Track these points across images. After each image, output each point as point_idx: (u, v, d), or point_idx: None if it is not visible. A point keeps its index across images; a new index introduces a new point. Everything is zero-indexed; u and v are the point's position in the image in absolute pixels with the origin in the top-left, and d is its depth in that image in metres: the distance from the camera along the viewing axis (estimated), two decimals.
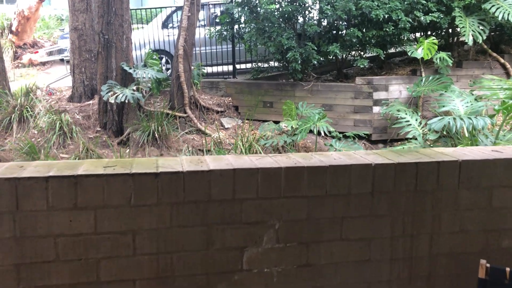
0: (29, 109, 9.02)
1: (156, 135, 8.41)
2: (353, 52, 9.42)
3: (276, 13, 8.88)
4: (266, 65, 9.98)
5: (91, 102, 9.82)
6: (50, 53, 15.95)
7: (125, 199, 1.98)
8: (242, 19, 9.72)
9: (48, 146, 8.24)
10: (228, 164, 2.11)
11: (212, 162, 2.15)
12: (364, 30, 8.66)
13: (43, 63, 16.42)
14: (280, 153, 8.13)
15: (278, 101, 9.25)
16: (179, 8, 10.73)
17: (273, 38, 8.68)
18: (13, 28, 17.15)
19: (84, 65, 10.02)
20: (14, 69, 16.04)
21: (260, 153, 7.38)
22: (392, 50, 9.71)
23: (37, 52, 15.85)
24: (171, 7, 11.91)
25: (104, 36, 8.69)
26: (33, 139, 8.54)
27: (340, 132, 8.13)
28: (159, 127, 8.50)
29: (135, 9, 12.45)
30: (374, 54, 8.95)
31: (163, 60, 11.40)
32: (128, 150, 8.74)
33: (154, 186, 2.00)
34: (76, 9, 9.95)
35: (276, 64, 9.80)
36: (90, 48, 10.03)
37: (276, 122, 8.83)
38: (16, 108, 8.96)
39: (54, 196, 1.92)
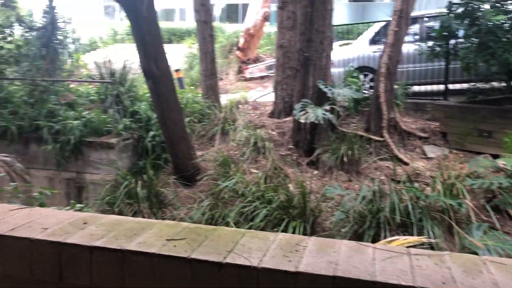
0: (231, 123, 9.46)
1: (345, 158, 7.75)
2: None
3: (505, 25, 7.25)
4: (486, 86, 8.29)
5: (288, 119, 9.77)
6: (263, 69, 16.86)
7: None
8: (460, 33, 8.28)
9: (240, 160, 8.45)
10: (329, 265, 1.37)
11: (310, 255, 1.43)
12: None
13: (262, 77, 17.51)
14: (494, 197, 6.52)
15: (498, 130, 7.55)
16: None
17: (498, 55, 7.08)
18: (240, 45, 18.78)
19: (286, 82, 10.05)
20: (236, 82, 17.52)
21: (464, 196, 6.00)
22: None
23: (247, 68, 16.97)
24: (381, 21, 11.07)
25: (303, 53, 8.49)
26: (230, 152, 8.90)
27: None
28: (349, 151, 7.82)
29: (339, 25, 11.99)
30: None
31: (368, 78, 10.67)
32: (316, 172, 8.34)
33: (217, 281, 1.41)
34: (283, 26, 10.06)
35: (500, 85, 8.04)
36: (293, 65, 10.01)
37: (495, 157, 7.18)
38: (220, 121, 9.51)
39: (99, 272, 1.51)
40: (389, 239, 4.37)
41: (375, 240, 5.68)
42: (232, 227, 6.73)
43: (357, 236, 6.02)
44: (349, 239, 5.98)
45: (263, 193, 7.01)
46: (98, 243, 1.53)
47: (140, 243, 1.53)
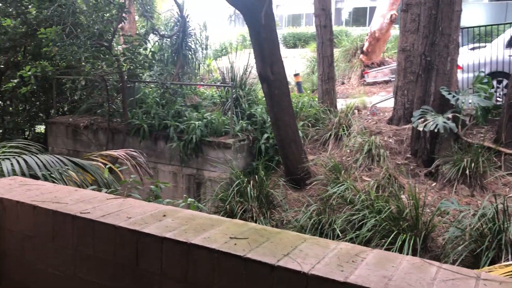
0: (345, 128, 9.32)
1: (468, 171, 7.14)
2: None
3: None
4: None
5: (407, 126, 9.30)
6: (387, 73, 16.24)
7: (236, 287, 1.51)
8: None
9: (352, 167, 8.27)
10: (382, 279, 1.32)
11: (365, 268, 1.39)
12: None
13: (386, 82, 16.91)
14: None
15: None
16: None
17: None
18: (364, 49, 18.35)
19: (407, 87, 9.59)
20: (359, 87, 17.16)
21: None
22: None
23: (367, 72, 16.46)
24: None
25: (425, 57, 8.03)
26: (342, 158, 8.77)
27: None
28: (473, 163, 7.19)
29: (474, 27, 11.03)
30: None
31: (502, 85, 9.67)
32: (434, 184, 7.81)
33: (268, 282, 1.44)
34: (406, 29, 9.61)
35: None
36: (415, 70, 9.50)
37: None
38: (334, 126, 9.42)
39: (167, 261, 1.65)
40: (506, 263, 3.95)
41: (494, 262, 5.15)
42: (338, 234, 6.64)
43: (473, 257, 5.52)
44: (464, 259, 5.51)
45: (373, 202, 6.79)
46: (168, 235, 1.66)
47: (204, 238, 1.62)
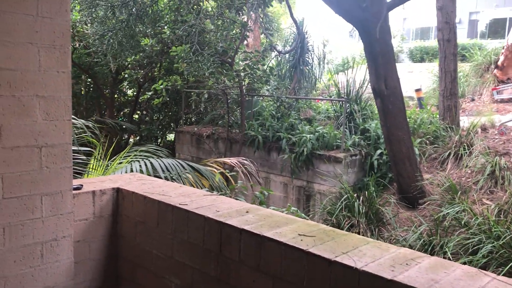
0: (466, 147, 8.77)
1: None
2: None
3: None
4: None
5: None
6: None
7: (298, 278, 1.68)
8: None
9: (472, 189, 7.76)
10: (429, 282, 1.39)
11: (416, 270, 1.47)
12: None
13: None
14: None
15: None
16: None
17: None
18: (499, 63, 16.96)
19: None
20: (491, 104, 15.88)
21: None
22: None
23: (496, 88, 15.10)
24: None
25: None
26: (461, 178, 8.27)
27: None
28: None
29: None
30: None
31: None
32: None
33: (326, 276, 1.59)
34: None
35: None
36: None
37: None
38: (454, 145, 8.91)
39: (245, 251, 1.88)
40: None
41: None
42: (449, 257, 6.30)
43: None
44: None
45: (491, 226, 6.32)
46: (246, 227, 1.89)
47: (276, 233, 1.83)
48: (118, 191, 2.54)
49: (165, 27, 9.84)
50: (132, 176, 2.86)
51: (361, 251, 1.65)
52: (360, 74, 10.81)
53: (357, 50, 27.29)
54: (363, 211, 7.66)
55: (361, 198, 7.81)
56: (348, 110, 9.78)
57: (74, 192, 2.28)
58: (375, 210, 7.80)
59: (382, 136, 8.81)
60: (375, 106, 10.06)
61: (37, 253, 2.11)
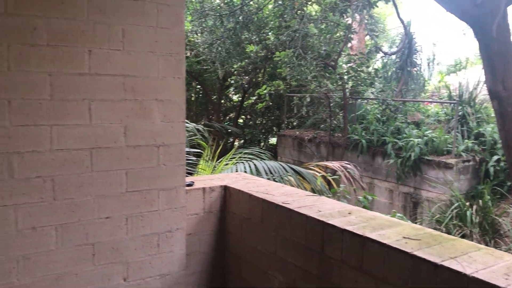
0: None
1: None
2: None
3: None
4: None
5: None
6: None
7: (402, 281, 1.65)
8: None
9: None
10: None
11: None
12: None
13: None
14: None
15: None
16: None
17: None
18: None
19: None
20: None
21: None
22: None
23: None
24: None
25: None
26: None
27: None
28: None
29: None
30: None
31: None
32: None
33: (431, 281, 1.55)
34: None
35: None
36: None
37: None
38: None
39: (347, 251, 1.89)
40: None
41: None
42: None
43: None
44: None
45: None
46: (348, 228, 1.90)
47: (379, 234, 1.81)
48: (225, 188, 2.68)
49: (269, 33, 10.10)
50: (238, 175, 3.01)
51: (470, 257, 1.57)
52: (475, 75, 10.08)
53: (471, 50, 25.40)
54: (477, 221, 7.12)
55: (474, 207, 7.27)
56: (460, 113, 9.17)
57: (186, 188, 2.46)
58: (490, 221, 7.21)
59: (499, 141, 8.12)
60: (491, 109, 9.31)
61: (154, 242, 2.32)
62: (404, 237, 1.77)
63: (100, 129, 2.12)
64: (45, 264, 2.03)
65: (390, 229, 1.88)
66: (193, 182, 2.65)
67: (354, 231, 1.86)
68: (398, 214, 5.22)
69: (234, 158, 6.03)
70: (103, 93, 2.12)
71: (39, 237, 2.01)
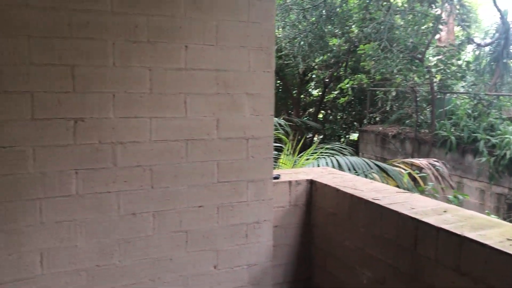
0: None
1: None
2: None
3: None
4: None
5: None
6: None
7: (506, 284, 1.55)
8: None
9: None
10: None
11: None
12: None
13: None
14: None
15: None
16: None
17: None
18: None
19: None
20: None
21: None
22: None
23: None
24: None
25: None
26: None
27: None
28: None
29: None
30: None
31: None
32: None
33: None
34: None
35: None
36: None
37: None
38: None
39: (442, 250, 1.80)
40: None
41: None
42: None
43: None
44: None
45: None
46: (445, 226, 1.81)
47: (480, 235, 1.71)
48: (311, 182, 2.68)
49: (353, 26, 9.87)
50: (323, 170, 2.99)
51: None
52: None
53: None
54: None
55: None
56: None
57: (273, 181, 2.49)
58: None
59: None
60: None
61: (243, 233, 2.37)
62: (508, 239, 1.66)
63: (195, 121, 2.21)
64: (143, 248, 2.16)
65: (491, 229, 1.77)
66: (279, 175, 2.68)
67: (451, 230, 1.77)
68: (493, 216, 4.89)
69: (315, 153, 5.99)
70: (197, 87, 2.20)
71: (139, 222, 2.14)
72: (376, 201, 2.20)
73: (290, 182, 2.64)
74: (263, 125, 2.37)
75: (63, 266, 2.02)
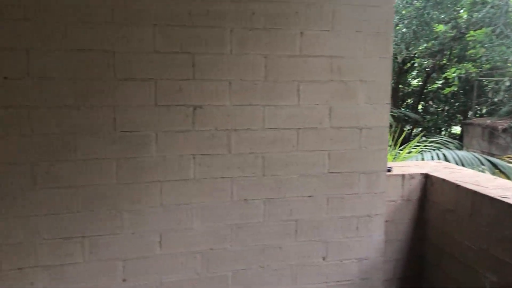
0: None
1: None
2: None
3: None
4: None
5: None
6: None
7: None
8: None
9: None
10: None
11: None
12: None
13: None
14: None
15: None
16: None
17: None
18: None
19: None
20: None
21: None
22: None
23: None
24: None
25: None
26: None
27: None
28: None
29: None
30: None
31: None
32: None
33: None
34: None
35: None
36: None
37: None
38: None
39: None
40: None
41: None
42: None
43: None
44: None
45: None
46: None
47: None
48: (426, 177, 2.52)
49: (461, 11, 9.17)
50: (438, 163, 2.80)
51: None
52: None
53: None
54: None
55: None
56: None
57: (386, 174, 2.38)
58: None
59: None
60: None
61: (353, 225, 2.30)
62: None
63: (307, 110, 2.17)
64: (254, 235, 2.18)
65: None
66: (391, 167, 2.55)
67: None
68: None
69: (418, 146, 5.70)
70: (310, 75, 2.16)
71: (250, 209, 2.16)
72: (505, 199, 2.00)
73: (403, 175, 2.50)
74: (378, 114, 2.26)
75: (179, 247, 2.10)
